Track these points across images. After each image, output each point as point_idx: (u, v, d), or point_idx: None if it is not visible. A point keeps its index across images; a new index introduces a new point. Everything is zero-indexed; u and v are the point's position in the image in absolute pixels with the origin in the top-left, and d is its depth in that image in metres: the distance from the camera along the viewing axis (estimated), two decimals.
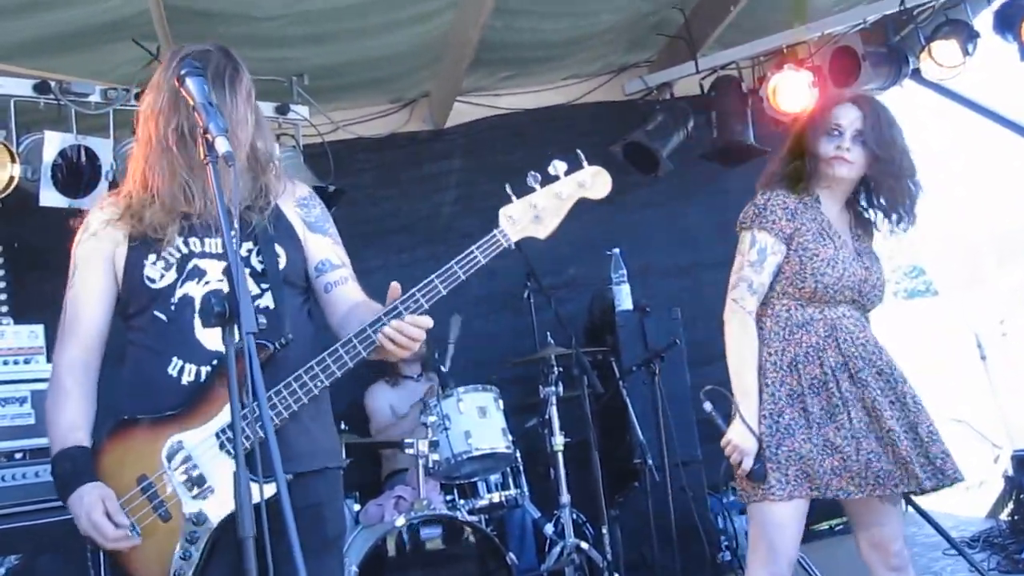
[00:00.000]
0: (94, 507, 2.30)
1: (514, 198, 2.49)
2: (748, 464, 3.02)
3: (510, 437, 5.09)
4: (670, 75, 6.36)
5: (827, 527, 6.02)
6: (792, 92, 5.85)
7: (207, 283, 2.46)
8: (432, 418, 4.92)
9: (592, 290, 6.19)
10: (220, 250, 2.47)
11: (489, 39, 5.53)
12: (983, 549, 5.75)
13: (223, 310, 2.00)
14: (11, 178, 4.58)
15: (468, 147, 6.67)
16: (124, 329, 2.56)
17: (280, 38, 5.16)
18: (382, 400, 5.83)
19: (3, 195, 4.61)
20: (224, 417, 2.36)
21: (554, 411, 5.04)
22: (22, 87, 4.72)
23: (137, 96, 4.96)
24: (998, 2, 5.60)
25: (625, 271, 5.86)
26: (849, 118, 3.14)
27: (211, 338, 2.40)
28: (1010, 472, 6.15)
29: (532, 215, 2.49)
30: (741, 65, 6.28)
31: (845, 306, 3.13)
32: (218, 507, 2.36)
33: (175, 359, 2.42)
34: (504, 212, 2.49)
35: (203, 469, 2.37)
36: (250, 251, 2.51)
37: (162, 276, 2.45)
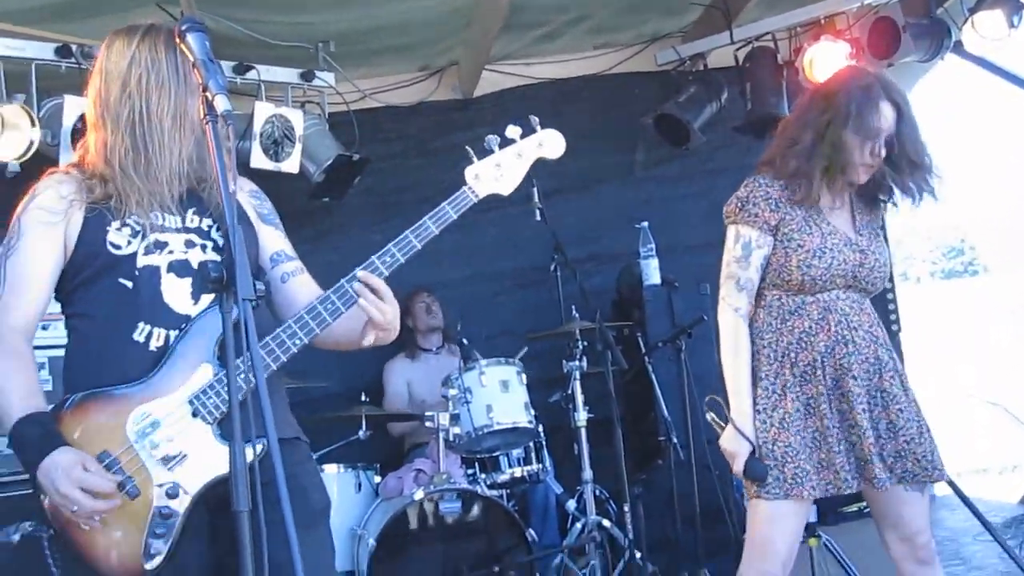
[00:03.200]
0: (73, 467, 2.11)
1: (475, 159, 2.58)
2: (739, 466, 2.95)
3: (532, 411, 5.03)
4: (704, 46, 6.21)
5: (855, 509, 5.90)
6: (829, 64, 5.69)
7: (171, 253, 2.38)
8: (453, 391, 4.87)
9: (620, 264, 6.09)
10: (178, 226, 2.41)
11: (519, 3, 5.42)
12: (1015, 535, 5.62)
13: (220, 275, 1.93)
14: (31, 142, 4.54)
15: (497, 117, 6.55)
16: (64, 303, 2.44)
17: (305, 2, 5.07)
18: (399, 376, 5.79)
19: (23, 159, 4.57)
20: (196, 382, 2.26)
21: (577, 386, 4.97)
22: (44, 51, 4.67)
23: None
24: None
25: (654, 245, 5.75)
26: (888, 121, 2.94)
27: (179, 301, 2.34)
28: None
29: (496, 174, 2.59)
30: (777, 36, 6.13)
31: (839, 290, 3.02)
32: (194, 477, 2.23)
33: (142, 324, 2.30)
34: (470, 171, 2.56)
35: (175, 438, 2.24)
36: (210, 226, 2.46)
37: (128, 243, 2.35)
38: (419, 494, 4.53)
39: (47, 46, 4.68)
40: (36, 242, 2.36)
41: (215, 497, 2.20)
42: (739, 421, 2.98)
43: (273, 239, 2.60)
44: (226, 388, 2.15)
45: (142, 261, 2.35)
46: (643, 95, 6.50)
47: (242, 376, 2.05)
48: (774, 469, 2.92)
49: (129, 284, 2.33)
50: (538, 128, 2.67)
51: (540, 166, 6.46)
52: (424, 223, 2.45)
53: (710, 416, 3.08)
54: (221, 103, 1.98)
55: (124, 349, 2.30)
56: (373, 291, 2.34)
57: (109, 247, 2.34)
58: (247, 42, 5.12)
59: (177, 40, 2.16)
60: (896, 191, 3.07)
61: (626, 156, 6.66)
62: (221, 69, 2.06)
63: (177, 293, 2.34)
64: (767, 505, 2.94)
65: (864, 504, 5.83)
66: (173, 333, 2.31)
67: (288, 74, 5.45)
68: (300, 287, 2.56)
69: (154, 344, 2.30)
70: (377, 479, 5.10)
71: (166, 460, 2.22)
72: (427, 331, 5.85)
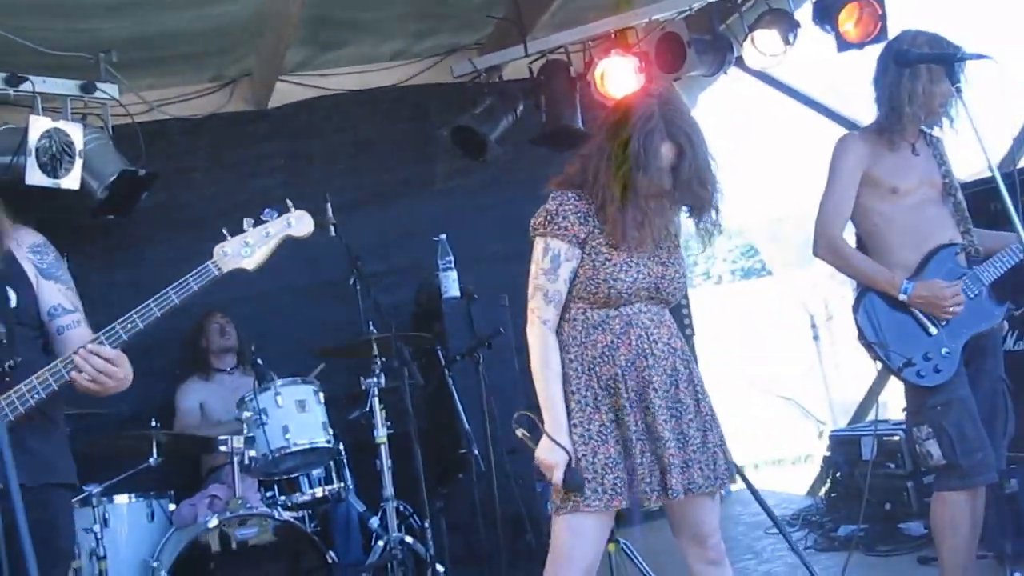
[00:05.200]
0: None
1: (228, 237, 2.84)
2: (557, 477, 2.94)
3: (331, 431, 4.95)
4: (499, 58, 6.26)
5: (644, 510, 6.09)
6: (619, 77, 5.88)
7: None
8: (248, 413, 4.75)
9: (419, 277, 6.08)
10: None
11: (312, 15, 5.34)
12: (802, 527, 5.92)
13: None
14: None
15: (293, 129, 6.45)
16: None
17: (85, 8, 4.83)
18: (192, 398, 5.60)
19: None
20: None
21: (376, 402, 4.90)
22: None
23: None
24: None
25: (452, 258, 5.76)
26: (667, 160, 2.96)
27: None
28: (827, 452, 6.33)
29: (245, 251, 2.84)
30: (570, 49, 6.24)
31: (642, 303, 3.08)
32: None
33: None
34: (219, 248, 2.83)
35: None
36: None
37: None
38: (213, 521, 4.39)
39: None
40: None
41: None
42: (554, 432, 2.97)
43: (51, 293, 2.89)
44: None
45: None
46: (440, 107, 6.51)
47: None
48: (592, 481, 2.92)
49: None
50: (291, 209, 2.93)
51: (337, 179, 6.42)
52: (167, 293, 2.76)
53: (520, 432, 3.06)
54: None
55: None
56: (105, 358, 2.67)
57: None
58: (19, 50, 4.83)
59: None
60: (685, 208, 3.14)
61: (423, 168, 6.66)
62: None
63: None
64: (581, 517, 2.94)
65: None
66: None
67: (67, 86, 5.17)
68: (73, 339, 2.83)
69: None
70: (172, 507, 4.91)
71: None
72: (220, 352, 5.69)
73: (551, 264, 3.04)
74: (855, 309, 3.84)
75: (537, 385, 3.05)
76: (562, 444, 2.95)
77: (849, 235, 3.92)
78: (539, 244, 3.09)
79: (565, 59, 6.23)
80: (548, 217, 3.07)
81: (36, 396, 2.67)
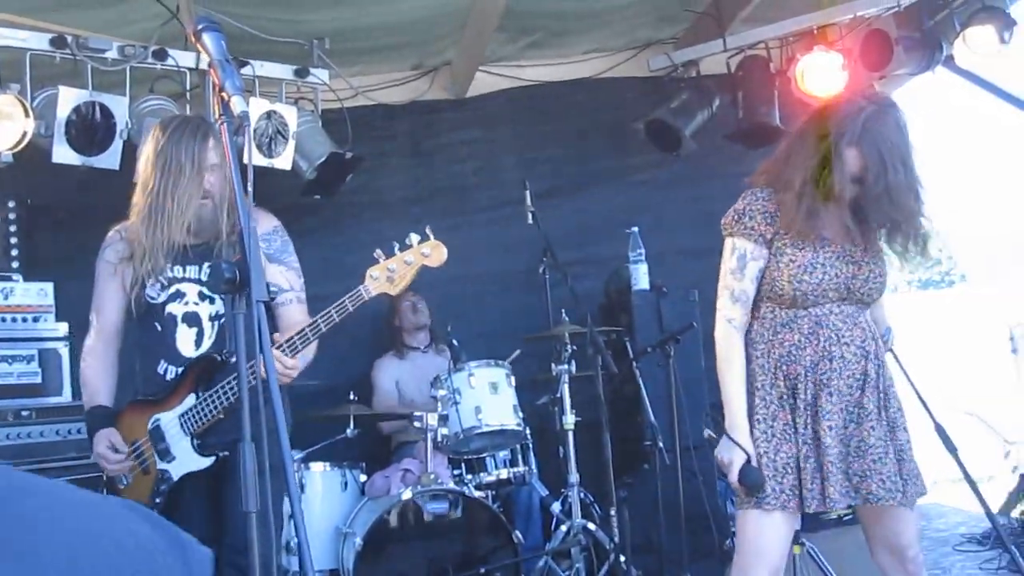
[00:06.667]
0: (101, 441, 3.24)
1: (382, 259, 3.12)
2: (734, 476, 2.95)
3: (521, 414, 5.03)
4: (697, 52, 6.23)
5: (835, 516, 5.94)
6: (821, 75, 5.73)
7: (186, 303, 3.32)
8: (442, 391, 4.87)
9: (609, 268, 6.10)
10: (196, 276, 3.31)
11: (514, 7, 5.43)
12: (993, 547, 5.67)
13: (233, 276, 1.93)
14: (24, 133, 4.51)
15: (489, 118, 6.57)
16: (134, 326, 3.41)
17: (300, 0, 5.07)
18: (388, 376, 5.79)
19: (16, 150, 4.54)
20: (187, 404, 3.23)
21: (566, 389, 4.98)
22: (38, 41, 4.64)
23: (155, 54, 4.89)
24: None
25: (643, 250, 5.75)
26: (852, 168, 2.90)
27: (185, 346, 3.31)
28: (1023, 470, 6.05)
29: (387, 276, 3.11)
30: (770, 45, 6.14)
31: (833, 304, 3.02)
32: (176, 469, 3.25)
33: (162, 362, 3.32)
34: (369, 272, 3.12)
35: (169, 441, 3.25)
36: None
37: (159, 295, 3.30)
38: (407, 494, 4.53)
39: (42, 36, 4.64)
40: (104, 287, 3.39)
41: (206, 474, 3.23)
42: (731, 431, 2.98)
43: (272, 274, 3.32)
44: (201, 412, 3.19)
45: (167, 309, 3.31)
46: (635, 100, 6.51)
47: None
48: (772, 480, 2.92)
49: (159, 328, 3.32)
50: (430, 237, 3.17)
51: (531, 167, 6.49)
52: (329, 312, 3.09)
53: (707, 432, 3.09)
54: (237, 104, 1.99)
55: (154, 377, 3.34)
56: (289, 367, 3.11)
57: (147, 298, 3.29)
58: (242, 37, 5.09)
59: (193, 39, 2.16)
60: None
61: (617, 161, 6.67)
62: (237, 70, 2.06)
63: (185, 341, 3.31)
64: (761, 515, 2.95)
65: (845, 512, 5.90)
66: (178, 369, 3.30)
67: (283, 70, 5.43)
68: (288, 315, 3.36)
69: (169, 376, 3.32)
70: (363, 478, 5.09)
71: (163, 454, 3.27)
72: (413, 329, 5.85)
73: (738, 264, 3.04)
74: None
75: (720, 382, 3.06)
76: (740, 443, 2.96)
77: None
78: (727, 243, 3.09)
79: (764, 55, 6.15)
80: (736, 216, 3.06)
81: (233, 391, 3.14)
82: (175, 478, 3.24)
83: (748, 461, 2.95)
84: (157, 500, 3.22)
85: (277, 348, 3.05)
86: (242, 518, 2.09)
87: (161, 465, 3.25)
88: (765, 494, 2.92)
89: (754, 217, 3.02)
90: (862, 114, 2.90)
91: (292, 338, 3.11)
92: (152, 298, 3.29)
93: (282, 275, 3.38)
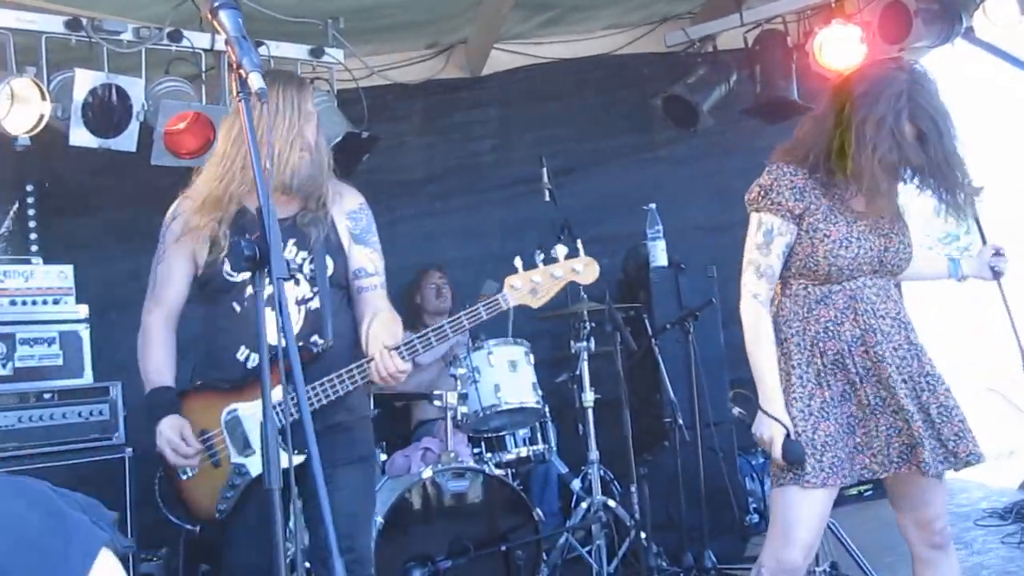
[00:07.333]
0: (172, 430, 2.92)
1: (520, 269, 2.95)
2: (776, 451, 2.91)
3: (540, 392, 5.03)
4: (713, 28, 6.19)
5: (856, 492, 5.94)
6: (839, 48, 5.69)
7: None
8: (462, 370, 4.87)
9: (627, 245, 6.08)
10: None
11: None
12: (1015, 521, 5.65)
13: (253, 254, 1.93)
14: (41, 116, 4.52)
15: (505, 96, 6.55)
16: (200, 300, 3.12)
17: None
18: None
19: (33, 133, 4.55)
20: (273, 396, 2.80)
21: (585, 367, 4.98)
22: (53, 24, 4.64)
23: (170, 36, 4.89)
24: None
25: (661, 227, 5.73)
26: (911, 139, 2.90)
27: (272, 333, 2.91)
28: None
29: (530, 287, 2.95)
30: (787, 19, 6.10)
31: (866, 277, 3.00)
32: (255, 465, 2.95)
33: (243, 347, 3.01)
34: (509, 280, 2.95)
35: (250, 434, 2.96)
36: (304, 259, 3.03)
37: (240, 273, 2.82)
38: (427, 472, 4.53)
39: (57, 19, 4.64)
40: (174, 257, 3.07)
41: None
42: (767, 405, 2.96)
43: (359, 257, 3.12)
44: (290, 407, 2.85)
45: (248, 290, 2.97)
46: (652, 76, 6.49)
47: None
48: (811, 458, 2.88)
49: (238, 309, 3.01)
50: (581, 252, 3.02)
51: (548, 145, 6.45)
52: (459, 318, 2.96)
53: (736, 410, 3.06)
54: (255, 81, 1.98)
55: (230, 362, 3.02)
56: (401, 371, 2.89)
57: (226, 275, 2.99)
58: (257, 17, 5.08)
59: (209, 16, 2.15)
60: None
61: (633, 137, 6.65)
62: (255, 47, 2.05)
63: (271, 326, 2.84)
64: (799, 492, 2.91)
65: (865, 488, 5.89)
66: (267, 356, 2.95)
67: (297, 50, 5.42)
68: (368, 300, 3.10)
69: (250, 364, 3.01)
70: (383, 457, 5.11)
71: (242, 447, 2.98)
72: (435, 313, 5.83)
73: (764, 239, 3.01)
74: None
75: (751, 359, 3.02)
76: (776, 417, 2.93)
77: None
78: (753, 219, 3.05)
79: (782, 29, 6.11)
80: (762, 192, 3.03)
81: (337, 391, 2.93)
82: (253, 474, 2.96)
83: (788, 435, 2.92)
84: (228, 495, 2.97)
85: (395, 350, 2.86)
86: (335, 515, 2.00)
87: (236, 459, 2.98)
88: (804, 471, 2.89)
89: (782, 192, 2.99)
90: (906, 85, 2.88)
91: (412, 341, 2.90)
92: (231, 276, 2.97)
93: (367, 257, 3.13)
